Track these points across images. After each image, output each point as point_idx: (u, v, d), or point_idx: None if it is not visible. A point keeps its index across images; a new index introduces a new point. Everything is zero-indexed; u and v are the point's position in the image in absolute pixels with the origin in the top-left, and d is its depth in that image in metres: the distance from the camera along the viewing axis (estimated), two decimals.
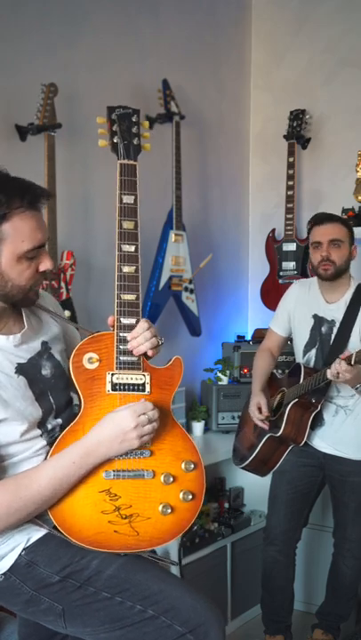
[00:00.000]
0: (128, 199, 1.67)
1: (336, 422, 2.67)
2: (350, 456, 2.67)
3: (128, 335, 1.63)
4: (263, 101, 4.02)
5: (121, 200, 1.67)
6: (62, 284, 2.72)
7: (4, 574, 1.58)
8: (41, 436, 1.62)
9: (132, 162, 1.69)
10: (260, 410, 2.74)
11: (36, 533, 1.59)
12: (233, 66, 3.95)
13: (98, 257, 3.05)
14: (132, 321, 1.64)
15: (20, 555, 1.57)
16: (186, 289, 3.30)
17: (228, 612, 3.20)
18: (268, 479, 2.87)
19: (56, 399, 1.66)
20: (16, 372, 1.58)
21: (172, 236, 3.23)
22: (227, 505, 3.43)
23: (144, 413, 1.55)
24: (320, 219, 2.67)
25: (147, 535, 1.59)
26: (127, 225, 1.67)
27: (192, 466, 1.65)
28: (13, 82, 2.69)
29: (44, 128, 2.65)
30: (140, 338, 1.62)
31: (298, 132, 3.66)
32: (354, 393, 2.59)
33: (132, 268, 1.66)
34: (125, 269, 1.66)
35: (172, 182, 3.26)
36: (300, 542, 2.89)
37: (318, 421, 2.68)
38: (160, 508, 1.60)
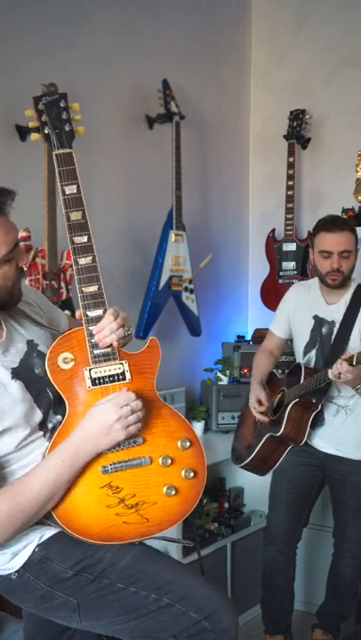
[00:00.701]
0: (70, 189, 1.64)
1: (336, 422, 2.67)
2: (350, 456, 2.67)
3: (94, 328, 1.61)
4: (263, 101, 4.02)
5: (64, 192, 1.64)
6: (62, 284, 2.72)
7: (17, 571, 1.58)
8: (44, 436, 1.62)
9: (67, 150, 1.66)
10: (259, 402, 2.74)
11: (49, 531, 1.59)
12: (233, 66, 3.95)
13: (98, 257, 3.04)
14: (100, 312, 1.62)
15: (33, 551, 1.57)
16: (186, 289, 3.30)
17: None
18: (268, 479, 2.87)
19: (54, 393, 1.66)
20: (12, 378, 1.58)
21: (172, 236, 3.23)
22: (227, 505, 3.43)
23: (127, 404, 1.54)
24: (330, 225, 2.60)
25: (156, 519, 1.59)
26: (75, 216, 1.64)
27: (188, 443, 1.63)
28: (13, 82, 2.69)
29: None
30: (106, 330, 1.60)
31: (298, 132, 3.66)
32: (354, 393, 2.59)
33: (89, 259, 1.64)
34: (82, 261, 1.64)
35: (172, 182, 3.26)
36: (301, 542, 2.89)
37: (319, 421, 2.68)
38: (164, 490, 1.59)
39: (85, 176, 3.02)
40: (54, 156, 1.65)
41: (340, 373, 2.33)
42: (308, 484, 2.79)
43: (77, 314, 1.65)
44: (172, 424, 1.65)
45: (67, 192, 1.64)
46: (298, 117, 3.67)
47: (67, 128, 1.66)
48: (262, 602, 2.95)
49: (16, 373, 1.59)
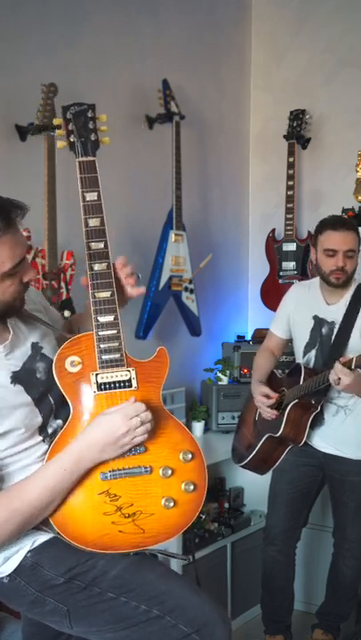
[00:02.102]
0: (91, 196, 1.67)
1: (336, 422, 2.67)
2: (350, 456, 2.67)
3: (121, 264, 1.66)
4: (263, 101, 4.02)
5: (84, 198, 1.66)
6: (62, 284, 2.72)
7: (9, 576, 1.57)
8: (43, 441, 1.61)
9: (90, 158, 1.68)
10: (267, 397, 2.71)
11: (42, 537, 1.59)
12: (233, 66, 3.94)
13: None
14: (110, 318, 1.61)
15: (25, 556, 1.56)
16: (186, 289, 3.30)
17: (228, 612, 3.20)
18: (267, 479, 2.88)
19: (55, 398, 1.65)
20: (12, 382, 1.57)
21: (172, 236, 3.23)
22: (227, 505, 3.43)
23: (136, 415, 1.52)
24: (337, 224, 2.60)
25: (152, 531, 1.57)
26: (93, 222, 1.66)
27: (190, 456, 1.62)
28: (13, 82, 2.69)
29: (44, 128, 2.65)
30: (128, 268, 1.65)
31: (298, 132, 3.66)
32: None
33: (104, 265, 1.65)
34: (97, 267, 1.64)
35: (172, 182, 3.26)
36: (300, 542, 2.90)
37: (318, 421, 2.68)
38: (163, 502, 1.58)
39: None
40: (77, 163, 1.68)
41: (339, 378, 2.32)
42: (308, 483, 2.79)
43: (83, 280, 1.65)
44: (176, 435, 1.63)
45: (87, 198, 1.67)
46: (298, 117, 3.67)
47: (92, 137, 1.69)
48: (262, 602, 2.95)
49: (16, 377, 1.58)
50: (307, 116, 3.69)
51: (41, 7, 2.80)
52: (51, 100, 2.68)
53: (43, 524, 1.56)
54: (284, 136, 3.67)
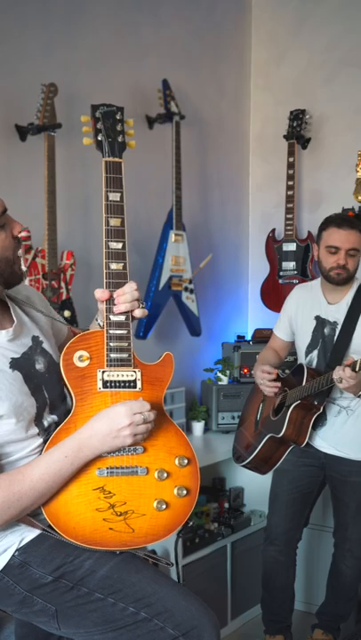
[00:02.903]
0: (114, 196, 1.67)
1: (338, 423, 2.67)
2: (351, 456, 2.67)
3: (115, 294, 1.63)
4: (263, 101, 4.02)
5: (107, 197, 1.66)
6: (62, 284, 2.72)
7: None
8: (38, 434, 1.61)
9: (117, 159, 1.69)
10: (268, 373, 2.71)
11: (30, 534, 1.58)
12: (233, 66, 3.94)
13: (98, 257, 3.03)
14: (122, 318, 1.64)
15: (13, 555, 1.56)
16: (186, 289, 3.30)
17: (228, 611, 3.20)
18: (268, 479, 2.88)
19: (50, 393, 1.66)
20: (11, 367, 1.58)
21: (172, 236, 3.23)
22: (227, 505, 3.43)
23: (140, 412, 1.54)
24: (341, 221, 2.61)
25: (142, 532, 1.59)
26: (114, 222, 1.66)
27: (186, 461, 1.64)
28: (13, 82, 2.70)
29: (44, 128, 2.65)
30: (128, 295, 1.62)
31: (298, 132, 3.66)
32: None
33: (120, 265, 1.66)
34: (113, 266, 1.65)
35: (172, 182, 3.26)
36: (301, 542, 2.89)
37: (320, 421, 2.68)
38: (155, 504, 1.60)
39: (85, 176, 3.03)
40: (103, 162, 1.68)
41: (341, 379, 2.33)
42: (309, 484, 2.79)
43: (100, 294, 1.64)
44: (174, 440, 1.66)
45: (110, 198, 1.67)
46: (298, 117, 3.67)
47: (120, 139, 1.71)
48: (262, 602, 2.95)
49: (15, 364, 1.59)
50: (307, 116, 3.69)
51: (41, 7, 2.80)
52: (51, 100, 2.68)
53: (33, 517, 1.56)
54: (284, 136, 3.67)
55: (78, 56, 2.97)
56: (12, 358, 1.59)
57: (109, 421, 1.53)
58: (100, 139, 1.70)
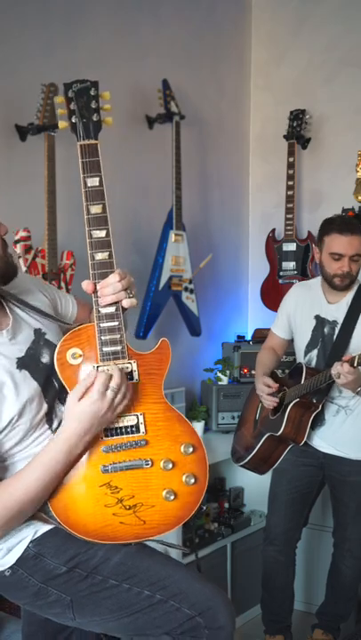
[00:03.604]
0: (92, 182, 1.60)
1: (336, 422, 2.67)
2: (350, 456, 2.67)
3: (98, 285, 1.57)
4: (263, 101, 4.02)
5: (85, 184, 1.60)
6: (62, 284, 2.72)
7: (11, 568, 1.58)
8: (50, 429, 1.61)
9: (92, 141, 1.61)
10: (268, 386, 2.71)
11: (43, 527, 1.59)
12: (233, 66, 3.94)
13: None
14: (112, 310, 1.59)
15: (27, 547, 1.57)
16: (186, 289, 3.30)
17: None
18: (267, 479, 2.88)
19: (59, 382, 1.64)
20: (18, 367, 1.57)
21: (172, 236, 3.23)
22: (227, 505, 3.43)
23: (106, 389, 1.50)
24: (343, 227, 2.59)
25: (153, 522, 1.58)
26: (95, 209, 1.60)
27: (191, 449, 1.61)
28: (13, 82, 2.69)
29: (44, 128, 2.65)
30: (110, 288, 1.56)
31: (298, 132, 3.66)
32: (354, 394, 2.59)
33: (106, 255, 1.60)
34: (98, 256, 1.59)
35: (172, 182, 3.26)
36: (300, 542, 2.89)
37: (319, 421, 2.68)
38: (163, 494, 1.58)
39: None
40: (78, 147, 1.60)
41: (339, 374, 2.33)
42: (308, 483, 2.79)
43: (86, 285, 1.59)
44: (177, 428, 1.63)
45: (88, 184, 1.60)
46: (298, 117, 3.67)
47: (94, 118, 1.61)
48: (262, 602, 2.95)
49: (22, 363, 1.58)
50: (307, 116, 3.69)
51: (41, 7, 2.80)
52: (51, 100, 2.68)
53: (44, 512, 1.56)
54: (284, 136, 3.67)
55: (78, 56, 2.97)
56: (18, 358, 1.58)
57: (86, 416, 1.50)
58: (74, 121, 1.61)
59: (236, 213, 4.01)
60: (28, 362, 1.59)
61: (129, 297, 1.59)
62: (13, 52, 2.70)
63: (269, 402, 2.72)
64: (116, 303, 1.58)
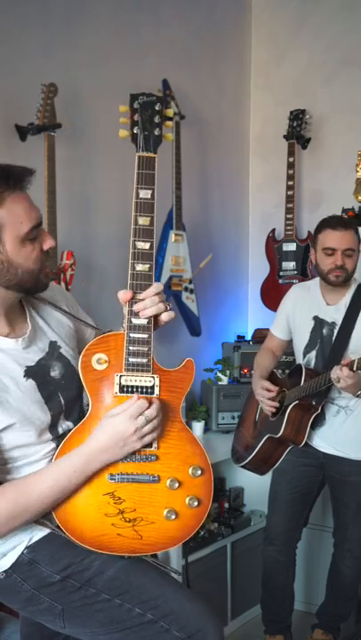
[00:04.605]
0: (145, 194, 1.59)
1: (336, 422, 2.67)
2: (350, 456, 2.67)
3: (135, 307, 1.56)
4: (263, 101, 4.02)
5: (137, 195, 1.59)
6: (62, 284, 2.72)
7: (5, 572, 1.58)
8: (52, 440, 1.61)
9: (150, 154, 1.61)
10: (267, 391, 2.72)
11: (40, 532, 1.59)
12: (233, 66, 3.94)
13: (98, 257, 3.05)
14: (144, 322, 1.58)
15: (22, 552, 1.57)
16: (186, 289, 3.30)
17: (228, 612, 3.20)
18: (267, 479, 2.87)
19: (66, 399, 1.64)
20: (25, 376, 1.57)
21: (172, 236, 3.23)
22: (227, 505, 3.43)
23: (141, 414, 1.52)
24: (335, 223, 2.61)
25: (150, 539, 1.57)
26: (143, 221, 1.59)
27: (199, 472, 1.61)
28: (13, 82, 2.69)
29: (44, 128, 2.65)
30: (148, 301, 1.56)
31: (298, 132, 3.66)
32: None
33: (146, 267, 1.58)
34: (139, 267, 1.58)
35: (172, 182, 3.26)
36: (301, 542, 2.89)
37: (319, 421, 2.68)
38: (165, 513, 1.58)
39: (85, 176, 3.03)
40: (136, 157, 1.61)
41: (339, 378, 2.33)
42: (308, 484, 2.79)
43: (122, 295, 1.58)
44: (189, 449, 1.63)
45: (140, 195, 1.59)
46: (298, 117, 3.67)
47: (156, 132, 1.61)
48: (262, 602, 2.95)
49: (30, 372, 1.58)
50: (307, 116, 3.69)
51: (41, 7, 2.80)
52: (51, 100, 2.68)
53: (43, 517, 1.56)
54: (284, 136, 3.67)
55: (78, 56, 2.97)
56: (27, 366, 1.58)
57: (114, 433, 1.51)
58: (135, 132, 1.60)
59: (236, 213, 4.01)
60: (36, 372, 1.59)
61: (168, 309, 1.59)
62: (13, 52, 2.70)
63: (269, 407, 2.72)
64: (153, 315, 1.58)
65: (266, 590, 2.90)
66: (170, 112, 1.65)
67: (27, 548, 1.57)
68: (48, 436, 1.60)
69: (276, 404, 2.70)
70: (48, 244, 1.55)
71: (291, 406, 2.61)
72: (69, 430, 1.62)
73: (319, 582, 3.09)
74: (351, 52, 3.67)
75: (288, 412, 2.61)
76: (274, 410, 2.71)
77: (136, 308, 1.56)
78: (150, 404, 1.54)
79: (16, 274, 1.51)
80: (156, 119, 1.61)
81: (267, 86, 4.00)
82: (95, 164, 3.02)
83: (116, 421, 1.52)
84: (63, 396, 1.64)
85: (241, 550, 3.27)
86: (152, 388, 1.59)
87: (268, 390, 2.72)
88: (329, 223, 2.63)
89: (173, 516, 1.58)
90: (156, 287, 1.57)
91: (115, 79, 3.13)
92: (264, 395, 2.72)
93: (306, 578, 3.30)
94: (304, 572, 3.26)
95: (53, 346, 1.65)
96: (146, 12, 3.32)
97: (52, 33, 2.85)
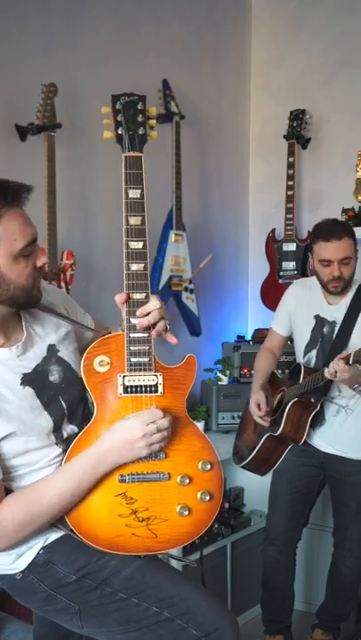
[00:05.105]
0: (134, 193, 1.61)
1: (337, 422, 2.67)
2: (351, 456, 2.67)
3: (138, 311, 1.58)
4: (263, 101, 4.02)
5: (127, 195, 1.60)
6: (62, 284, 2.72)
7: (22, 572, 1.58)
8: (56, 444, 1.61)
9: (137, 153, 1.62)
10: (258, 407, 2.74)
11: (54, 534, 1.59)
12: (233, 66, 3.94)
13: (98, 257, 3.05)
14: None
15: (38, 553, 1.57)
16: (186, 289, 3.30)
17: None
18: (268, 479, 2.88)
19: (68, 402, 1.64)
20: (22, 384, 1.56)
21: (172, 236, 3.23)
22: (227, 505, 3.43)
23: (153, 422, 1.52)
24: (327, 234, 2.57)
25: (165, 537, 1.58)
26: (134, 221, 1.60)
27: (209, 466, 1.62)
28: (13, 82, 2.69)
29: (44, 128, 2.65)
30: (151, 316, 1.57)
31: (298, 132, 3.66)
32: (355, 393, 2.59)
33: (141, 266, 1.60)
34: (134, 267, 1.60)
35: (172, 182, 3.26)
36: (300, 542, 2.90)
37: (319, 421, 2.68)
38: (177, 509, 1.58)
39: (85, 176, 3.03)
40: (123, 158, 1.62)
41: (336, 372, 2.34)
42: (308, 483, 2.79)
43: (119, 298, 1.59)
44: (196, 444, 1.63)
45: (130, 195, 1.61)
46: (298, 117, 3.67)
47: (140, 131, 1.62)
48: (262, 602, 2.95)
49: (27, 379, 1.57)
50: (307, 116, 3.69)
51: (41, 7, 2.80)
52: (51, 100, 2.68)
53: (57, 521, 1.56)
54: (284, 136, 3.67)
55: (78, 56, 2.97)
56: (24, 374, 1.57)
57: (123, 436, 1.52)
58: (120, 132, 1.62)
59: (236, 213, 4.01)
60: (33, 379, 1.59)
61: (169, 327, 1.61)
62: (13, 52, 2.70)
63: (260, 422, 2.75)
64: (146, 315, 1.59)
65: (266, 590, 2.90)
66: (153, 110, 1.65)
67: (42, 548, 1.57)
68: (52, 440, 1.60)
69: (269, 420, 2.72)
70: (41, 260, 1.55)
71: (290, 404, 2.61)
72: (74, 434, 1.62)
73: (319, 582, 3.09)
74: (351, 52, 3.67)
75: (287, 409, 2.61)
76: (267, 425, 2.72)
77: (137, 322, 1.57)
78: (164, 415, 1.54)
79: (8, 289, 1.51)
80: (140, 118, 1.62)
81: (267, 86, 4.00)
82: (95, 164, 3.02)
83: (126, 424, 1.53)
84: (65, 400, 1.64)
85: (241, 550, 3.27)
86: (156, 386, 1.60)
87: (259, 408, 2.74)
88: (322, 234, 2.59)
89: (186, 512, 1.58)
90: (156, 301, 1.58)
91: (115, 79, 3.13)
92: (254, 411, 2.75)
93: (306, 578, 3.30)
94: (304, 572, 3.26)
95: (52, 350, 1.65)
96: (146, 12, 3.32)
97: (52, 33, 2.85)
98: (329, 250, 2.57)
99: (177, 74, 3.42)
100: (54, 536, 1.59)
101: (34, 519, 1.49)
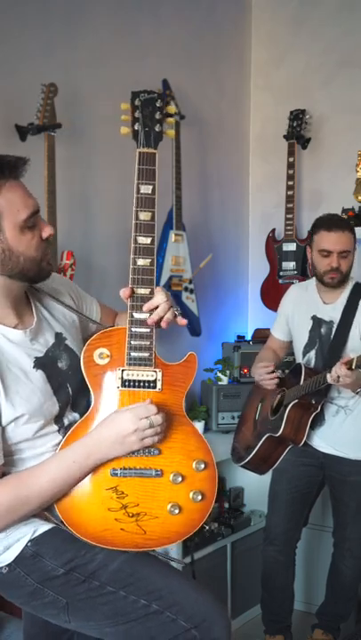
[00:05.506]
0: (146, 189, 1.62)
1: (336, 422, 2.67)
2: (350, 456, 2.67)
3: (144, 306, 1.60)
4: (263, 101, 4.02)
5: (138, 190, 1.62)
6: None
7: (8, 565, 1.58)
8: (58, 431, 1.62)
9: (152, 150, 1.64)
10: (264, 367, 2.72)
11: (43, 526, 1.59)
12: (233, 66, 3.94)
13: (98, 257, 3.05)
14: (146, 316, 1.60)
15: (25, 545, 1.57)
16: (186, 289, 3.30)
17: (228, 612, 3.20)
18: (267, 479, 2.88)
19: (73, 390, 1.65)
20: (34, 367, 1.58)
21: (172, 236, 3.23)
22: (227, 505, 3.43)
23: (146, 417, 1.52)
24: (330, 224, 2.60)
25: (154, 534, 1.57)
26: (144, 216, 1.61)
27: (203, 465, 1.61)
28: (13, 82, 2.69)
29: (44, 128, 2.65)
30: (160, 309, 1.60)
31: (298, 132, 3.66)
32: (354, 394, 2.59)
33: (147, 261, 1.62)
34: (140, 262, 1.61)
35: (172, 182, 3.26)
36: (300, 542, 2.89)
37: (318, 421, 2.68)
38: (168, 507, 1.58)
39: (85, 176, 3.03)
40: (137, 153, 1.63)
41: (338, 377, 2.33)
42: (308, 483, 2.79)
43: (124, 292, 1.61)
44: (192, 443, 1.63)
45: (141, 190, 1.62)
46: (298, 117, 3.67)
47: (157, 128, 1.65)
48: (262, 602, 2.95)
49: (39, 363, 1.59)
50: (307, 116, 3.69)
51: (41, 7, 2.80)
52: (51, 100, 2.68)
53: (46, 511, 1.57)
54: (284, 136, 3.67)
55: (78, 56, 2.97)
56: (37, 357, 1.59)
57: (115, 428, 1.52)
58: (136, 128, 1.63)
59: (236, 213, 4.01)
60: (45, 363, 1.60)
61: (177, 314, 1.63)
62: (13, 52, 2.69)
63: (269, 382, 2.72)
64: (151, 311, 1.61)
65: (266, 590, 2.90)
66: (172, 109, 1.67)
67: (30, 541, 1.57)
68: (54, 427, 1.61)
69: (277, 375, 2.70)
70: (47, 231, 1.57)
71: (290, 405, 2.61)
72: (75, 422, 1.62)
73: (319, 582, 3.09)
74: (351, 52, 3.67)
75: (288, 410, 2.61)
76: (276, 381, 2.71)
77: (148, 319, 1.59)
78: (159, 411, 1.54)
79: (18, 262, 1.53)
80: (157, 115, 1.64)
81: (267, 86, 4.00)
82: (95, 164, 3.02)
83: (120, 417, 1.53)
84: (71, 387, 1.65)
85: (241, 550, 3.27)
86: (154, 382, 1.61)
87: (266, 366, 2.72)
88: (324, 224, 2.62)
89: (177, 511, 1.58)
90: (162, 294, 1.62)
91: (115, 79, 3.13)
92: (262, 371, 2.73)
93: (306, 578, 3.30)
94: (304, 572, 3.26)
95: (59, 337, 1.67)
96: (146, 12, 3.32)
97: (52, 33, 2.85)
98: (330, 240, 2.58)
99: (177, 74, 3.42)
100: (43, 528, 1.58)
101: (22, 505, 1.49)
